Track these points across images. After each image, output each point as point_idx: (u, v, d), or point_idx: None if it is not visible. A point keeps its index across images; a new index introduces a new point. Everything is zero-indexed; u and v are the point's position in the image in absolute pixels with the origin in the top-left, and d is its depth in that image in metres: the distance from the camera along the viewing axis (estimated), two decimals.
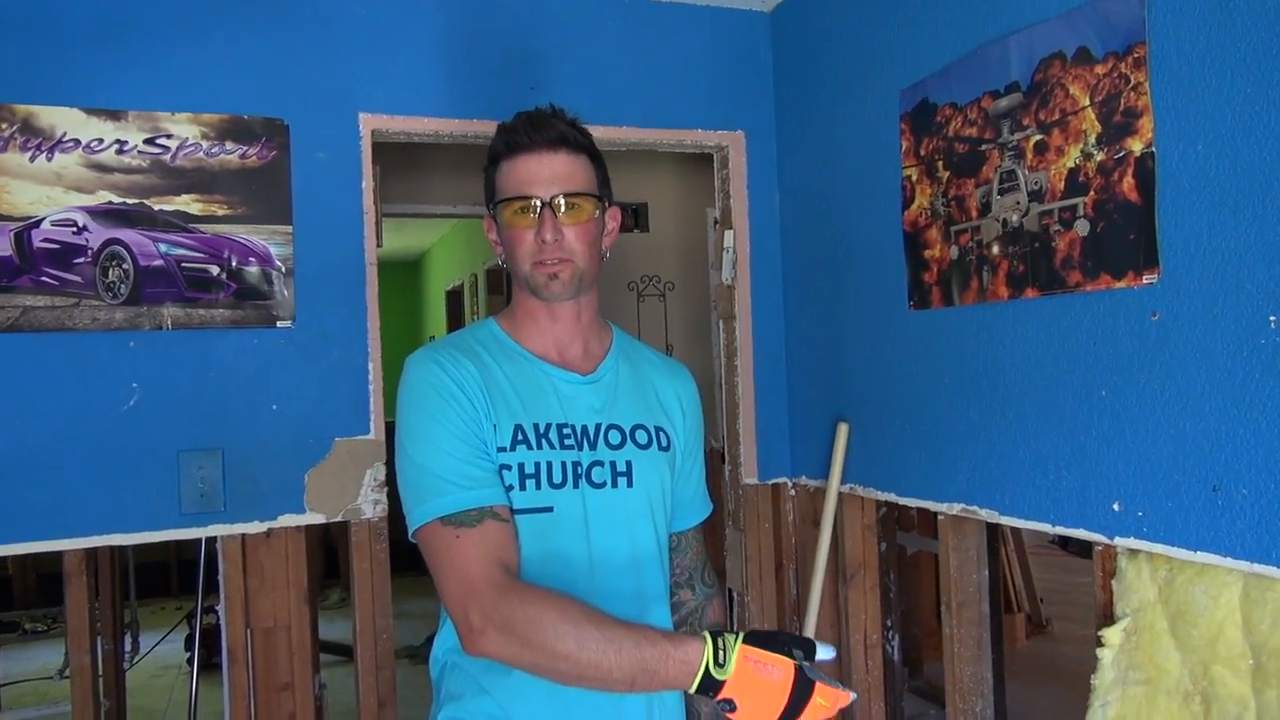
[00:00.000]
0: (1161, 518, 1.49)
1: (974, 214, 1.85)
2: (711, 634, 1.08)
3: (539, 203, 1.27)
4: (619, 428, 1.34)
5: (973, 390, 1.88)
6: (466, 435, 1.24)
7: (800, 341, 2.50)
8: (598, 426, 1.33)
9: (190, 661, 4.96)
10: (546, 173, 1.28)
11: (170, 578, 6.76)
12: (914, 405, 2.05)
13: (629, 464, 1.33)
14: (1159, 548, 1.49)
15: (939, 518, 2.01)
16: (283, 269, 2.13)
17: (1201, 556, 1.43)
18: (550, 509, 1.26)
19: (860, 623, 2.37)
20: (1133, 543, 1.54)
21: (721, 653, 1.06)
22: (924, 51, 1.98)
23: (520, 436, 1.27)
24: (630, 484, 1.32)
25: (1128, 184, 1.52)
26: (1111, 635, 1.56)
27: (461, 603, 1.13)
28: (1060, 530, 1.68)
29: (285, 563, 2.16)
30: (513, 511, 1.25)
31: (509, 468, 1.26)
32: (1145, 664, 1.51)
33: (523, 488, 1.26)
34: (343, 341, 2.18)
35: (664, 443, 1.38)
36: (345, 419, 2.18)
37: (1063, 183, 1.64)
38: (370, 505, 2.20)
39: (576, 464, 1.29)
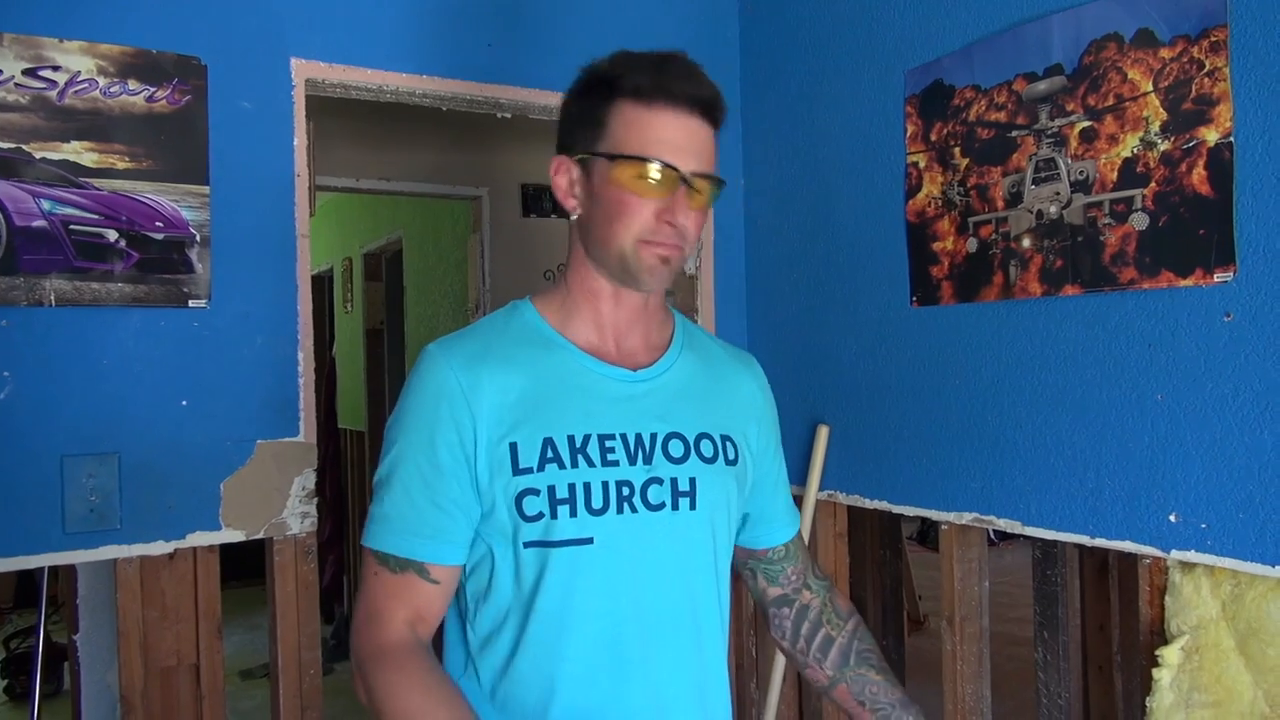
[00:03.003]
0: (1232, 530, 1.41)
1: (1000, 204, 1.73)
2: None
3: (679, 177, 1.05)
4: (681, 436, 1.12)
5: (991, 393, 1.76)
6: (432, 479, 1.04)
7: (766, 337, 2.33)
8: (653, 436, 1.10)
9: (12, 691, 4.37)
10: (695, 142, 1.06)
11: None
12: (914, 408, 1.91)
13: (693, 481, 1.11)
14: (1228, 561, 1.41)
15: (942, 528, 1.88)
16: (197, 237, 1.78)
17: None
18: (589, 540, 1.05)
19: None
20: (1192, 555, 1.46)
21: None
22: (938, 31, 1.84)
23: (550, 454, 1.04)
24: (693, 506, 1.11)
25: (1198, 175, 1.43)
26: (1168, 654, 1.47)
27: (354, 636, 1.07)
28: (1101, 543, 1.58)
29: (193, 589, 1.80)
30: (480, 564, 1.09)
31: (536, 493, 1.03)
32: (1211, 685, 1.42)
33: (554, 516, 1.04)
34: (268, 326, 1.84)
35: (731, 455, 1.16)
36: (270, 418, 1.84)
37: (1115, 173, 1.54)
38: (298, 519, 1.87)
39: (622, 483, 1.07)
